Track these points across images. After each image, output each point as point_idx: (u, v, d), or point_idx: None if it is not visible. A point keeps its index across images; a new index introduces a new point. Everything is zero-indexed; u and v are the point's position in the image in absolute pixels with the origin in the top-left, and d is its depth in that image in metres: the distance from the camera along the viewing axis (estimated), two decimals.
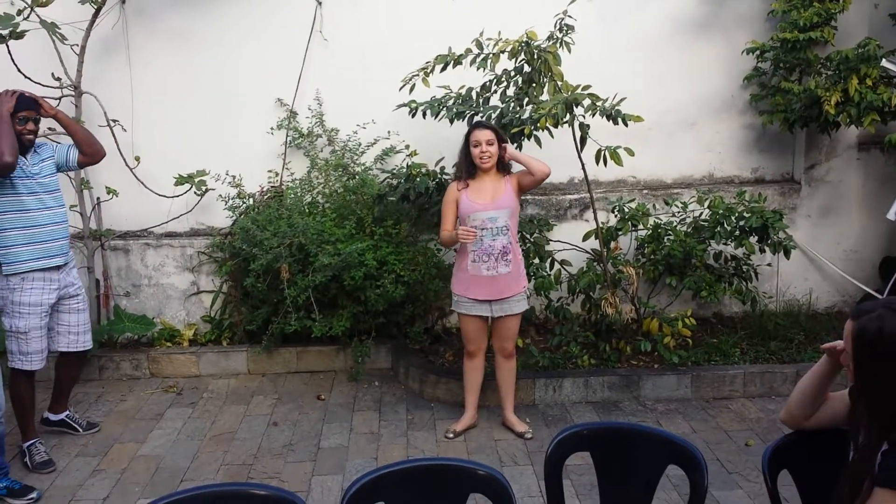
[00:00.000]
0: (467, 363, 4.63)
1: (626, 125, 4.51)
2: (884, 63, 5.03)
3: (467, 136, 4.43)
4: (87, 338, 4.58)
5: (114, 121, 5.53)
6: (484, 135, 4.35)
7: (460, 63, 4.79)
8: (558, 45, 4.74)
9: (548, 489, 2.38)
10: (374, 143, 5.75)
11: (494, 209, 4.34)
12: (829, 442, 2.33)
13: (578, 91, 4.56)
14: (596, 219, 5.18)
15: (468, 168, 4.43)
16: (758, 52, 5.68)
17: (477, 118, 4.85)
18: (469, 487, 2.26)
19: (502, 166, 4.45)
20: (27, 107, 4.24)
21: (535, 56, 4.66)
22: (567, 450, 2.38)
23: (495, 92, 5.00)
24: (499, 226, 4.35)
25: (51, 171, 4.37)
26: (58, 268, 4.33)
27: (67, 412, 4.73)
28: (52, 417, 4.71)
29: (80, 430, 4.71)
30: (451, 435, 4.58)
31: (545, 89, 4.71)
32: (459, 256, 4.49)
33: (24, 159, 4.22)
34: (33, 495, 3.96)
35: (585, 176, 5.03)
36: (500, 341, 4.56)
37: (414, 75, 4.82)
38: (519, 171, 4.50)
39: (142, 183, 5.64)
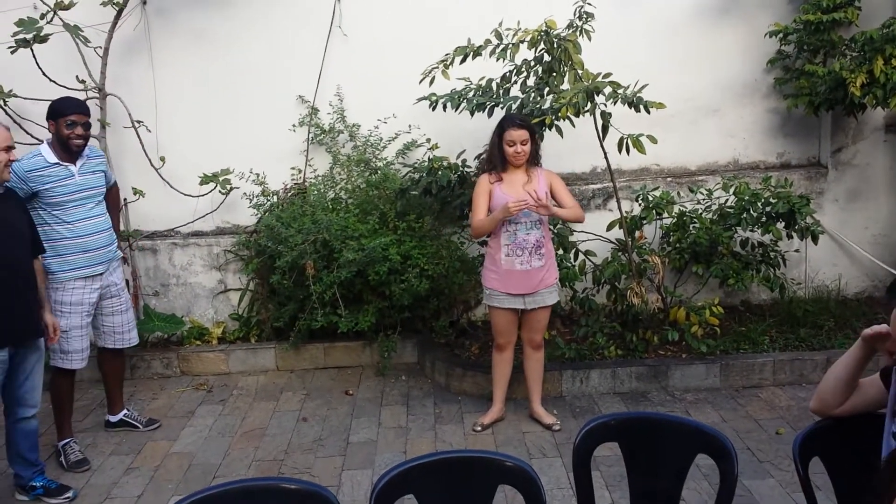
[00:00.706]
0: (496, 356, 4.62)
1: (649, 112, 4.47)
2: None
3: (501, 132, 4.37)
4: (132, 335, 4.66)
5: (138, 122, 5.59)
6: (520, 135, 4.32)
7: (480, 54, 4.77)
8: (578, 33, 4.70)
9: (576, 480, 2.37)
10: (396, 138, 5.75)
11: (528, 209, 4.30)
12: (860, 428, 2.31)
13: (599, 79, 4.52)
14: (620, 208, 5.15)
15: (501, 162, 4.40)
16: (781, 35, 5.60)
17: (497, 109, 4.84)
18: (497, 479, 2.26)
19: (533, 160, 4.44)
20: (76, 110, 4.25)
21: (555, 45, 4.63)
22: (595, 440, 2.38)
23: (515, 82, 4.97)
24: (532, 220, 4.34)
25: (100, 183, 4.41)
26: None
27: (125, 411, 4.81)
28: (112, 419, 4.79)
29: (141, 426, 4.77)
30: (479, 428, 4.58)
31: (566, 78, 4.68)
32: (491, 250, 4.47)
33: (72, 167, 4.25)
34: (69, 494, 4.02)
35: (608, 165, 5.00)
36: (529, 332, 4.56)
37: (433, 68, 4.81)
38: (552, 175, 4.49)
39: (167, 183, 5.70)
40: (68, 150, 4.23)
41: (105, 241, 4.40)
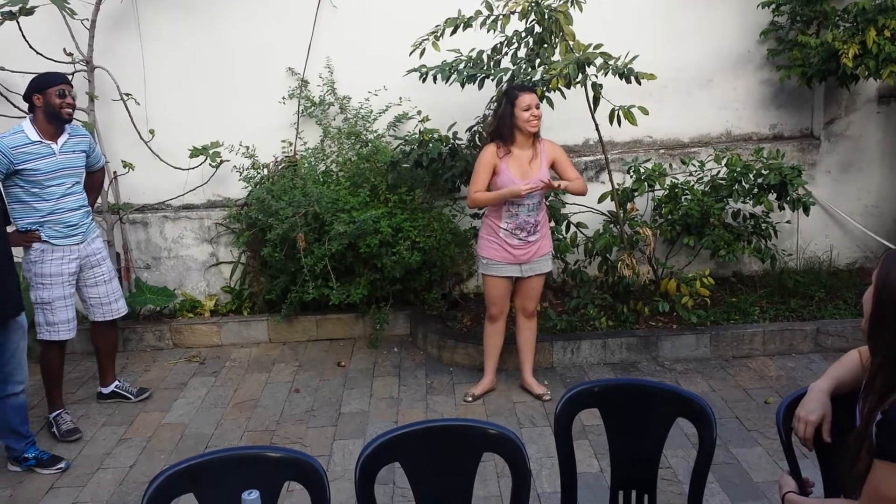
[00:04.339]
0: (489, 327, 4.64)
1: (640, 83, 4.45)
2: None
3: (512, 99, 4.28)
4: (118, 305, 4.65)
5: (126, 94, 5.55)
6: (533, 98, 4.28)
7: (470, 26, 4.73)
8: (569, 4, 4.66)
9: (558, 444, 2.39)
10: (387, 110, 5.72)
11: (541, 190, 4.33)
12: (844, 398, 2.32)
13: (590, 50, 4.49)
14: (611, 180, 5.14)
15: (510, 134, 4.32)
16: (773, 6, 5.56)
17: (488, 81, 4.82)
18: (482, 447, 2.28)
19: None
20: (65, 80, 4.28)
21: (546, 16, 4.59)
22: (577, 407, 2.39)
23: (506, 54, 4.94)
24: (535, 202, 4.37)
25: (80, 163, 4.40)
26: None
27: (117, 382, 4.82)
28: (104, 391, 4.80)
29: (132, 397, 4.79)
30: (470, 398, 4.61)
31: (557, 50, 4.65)
32: (490, 221, 4.46)
33: (53, 145, 4.23)
34: (62, 465, 4.05)
35: (600, 137, 4.98)
36: (523, 300, 4.58)
37: (424, 39, 4.78)
38: (555, 148, 4.47)
39: (157, 156, 5.68)
40: (59, 120, 4.21)
41: (80, 218, 4.38)
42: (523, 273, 4.46)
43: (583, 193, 4.54)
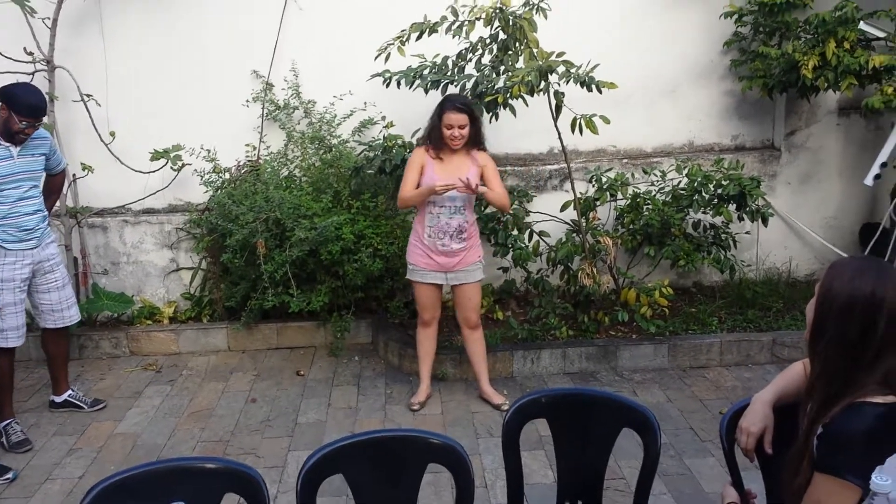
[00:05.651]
0: (421, 333, 4.66)
1: (600, 92, 4.46)
2: (862, 26, 4.98)
3: (441, 112, 4.34)
4: (71, 312, 4.55)
5: (87, 95, 5.46)
6: (458, 118, 4.29)
7: (436, 31, 4.72)
8: (534, 11, 4.67)
9: (505, 456, 2.38)
10: (351, 115, 5.68)
11: (457, 191, 4.33)
12: (788, 408, 2.33)
13: (553, 58, 4.50)
14: (573, 189, 5.15)
15: (439, 142, 4.37)
16: (736, 17, 5.61)
17: (451, 87, 4.82)
18: (427, 457, 2.25)
19: (473, 143, 4.42)
20: (36, 115, 4.14)
21: (511, 23, 4.60)
22: (525, 417, 2.38)
23: (470, 60, 4.94)
24: (457, 205, 4.39)
25: (39, 167, 4.33)
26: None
27: (70, 391, 4.72)
28: (57, 399, 4.70)
29: (86, 407, 4.70)
30: (417, 406, 4.61)
31: (521, 57, 4.65)
32: (416, 228, 4.52)
33: (12, 148, 4.16)
34: (9, 475, 3.95)
35: (562, 146, 4.99)
36: (462, 311, 4.59)
37: (389, 44, 4.77)
38: (487, 158, 4.47)
39: (117, 159, 5.58)
40: (10, 138, 4.15)
41: (37, 222, 4.31)
42: (449, 281, 4.49)
43: (503, 208, 4.56)
